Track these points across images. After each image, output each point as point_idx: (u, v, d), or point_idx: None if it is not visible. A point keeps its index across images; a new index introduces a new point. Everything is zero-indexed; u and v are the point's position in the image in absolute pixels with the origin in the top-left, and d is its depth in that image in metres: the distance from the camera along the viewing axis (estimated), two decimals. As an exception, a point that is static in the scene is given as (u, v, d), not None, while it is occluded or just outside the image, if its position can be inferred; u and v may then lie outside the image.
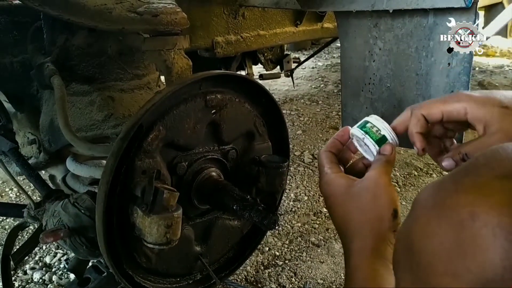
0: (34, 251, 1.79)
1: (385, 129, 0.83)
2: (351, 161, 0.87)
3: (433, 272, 0.43)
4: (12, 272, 1.13)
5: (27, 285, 1.64)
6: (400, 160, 2.69)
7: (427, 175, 2.51)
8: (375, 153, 0.81)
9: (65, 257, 1.78)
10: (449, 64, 1.10)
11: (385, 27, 1.23)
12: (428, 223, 0.45)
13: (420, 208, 0.48)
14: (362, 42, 1.30)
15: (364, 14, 1.25)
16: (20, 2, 1.16)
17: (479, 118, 0.74)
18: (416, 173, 2.53)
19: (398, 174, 2.52)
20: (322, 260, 1.78)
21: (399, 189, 2.35)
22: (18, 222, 1.03)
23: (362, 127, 0.83)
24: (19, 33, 1.15)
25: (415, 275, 0.46)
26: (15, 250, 1.04)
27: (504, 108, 0.74)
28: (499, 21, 0.62)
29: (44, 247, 1.84)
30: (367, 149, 0.82)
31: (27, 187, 2.41)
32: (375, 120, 0.84)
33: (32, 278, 1.67)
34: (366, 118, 0.86)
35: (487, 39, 0.59)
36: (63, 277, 1.67)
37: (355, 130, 0.84)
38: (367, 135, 0.82)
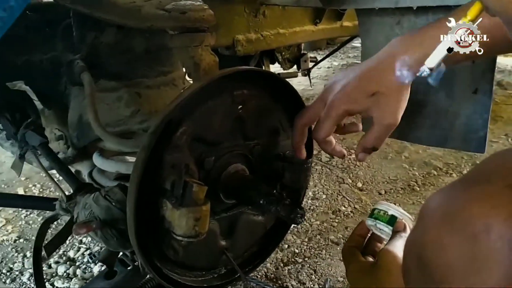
0: (57, 245, 1.83)
1: (391, 208, 0.92)
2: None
3: (447, 286, 0.42)
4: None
5: (51, 279, 1.67)
6: (419, 160, 2.68)
7: (447, 175, 2.49)
8: (391, 233, 0.89)
9: (88, 252, 1.81)
10: (473, 61, 1.10)
11: (408, 24, 1.23)
12: (440, 234, 0.44)
13: (430, 218, 0.47)
14: (384, 40, 1.29)
15: (387, 12, 1.24)
16: (51, 0, 1.19)
17: (360, 112, 0.86)
18: (435, 172, 2.52)
19: (417, 173, 2.51)
20: (341, 258, 1.78)
21: (418, 189, 2.34)
22: (49, 215, 1.06)
23: (371, 215, 0.94)
24: (50, 31, 1.17)
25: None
26: (46, 242, 1.06)
27: (372, 96, 0.82)
28: (439, 52, 0.64)
29: (67, 242, 1.87)
30: (384, 232, 0.91)
31: (48, 183, 2.46)
32: (380, 204, 0.97)
33: (56, 272, 1.71)
34: (374, 206, 0.96)
35: (430, 70, 0.62)
36: (86, 271, 1.71)
37: (367, 221, 0.94)
38: (377, 221, 0.92)
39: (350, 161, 2.67)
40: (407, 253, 0.51)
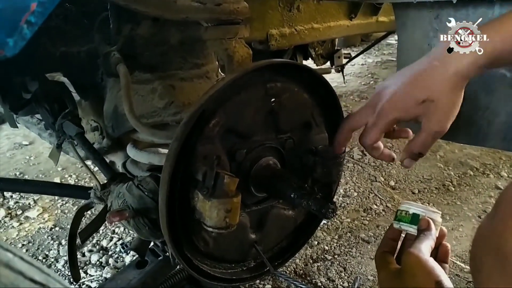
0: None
1: (411, 207, 0.89)
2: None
3: None
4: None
5: (85, 266, 1.72)
6: (455, 159, 2.61)
7: (484, 175, 2.42)
8: (417, 232, 0.86)
9: (120, 242, 1.85)
10: None
11: (446, 19, 1.19)
12: None
13: (510, 206, 0.44)
14: (421, 35, 1.26)
15: (425, 5, 1.21)
16: (89, -8, 1.21)
17: (409, 120, 0.83)
18: (471, 173, 2.45)
19: (452, 173, 2.45)
20: (372, 257, 1.76)
21: (453, 189, 2.28)
22: (84, 203, 1.08)
23: (395, 218, 0.91)
24: (88, 23, 1.19)
25: (510, 278, 0.43)
26: (80, 229, 1.09)
27: (422, 103, 0.79)
28: None
29: (100, 231, 1.92)
30: (412, 233, 0.89)
31: (84, 174, 2.52)
32: (401, 205, 0.91)
33: (90, 260, 1.75)
34: (397, 208, 0.93)
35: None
36: (118, 260, 1.74)
37: (394, 225, 0.91)
38: (400, 222, 0.90)
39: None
40: (480, 243, 0.49)
